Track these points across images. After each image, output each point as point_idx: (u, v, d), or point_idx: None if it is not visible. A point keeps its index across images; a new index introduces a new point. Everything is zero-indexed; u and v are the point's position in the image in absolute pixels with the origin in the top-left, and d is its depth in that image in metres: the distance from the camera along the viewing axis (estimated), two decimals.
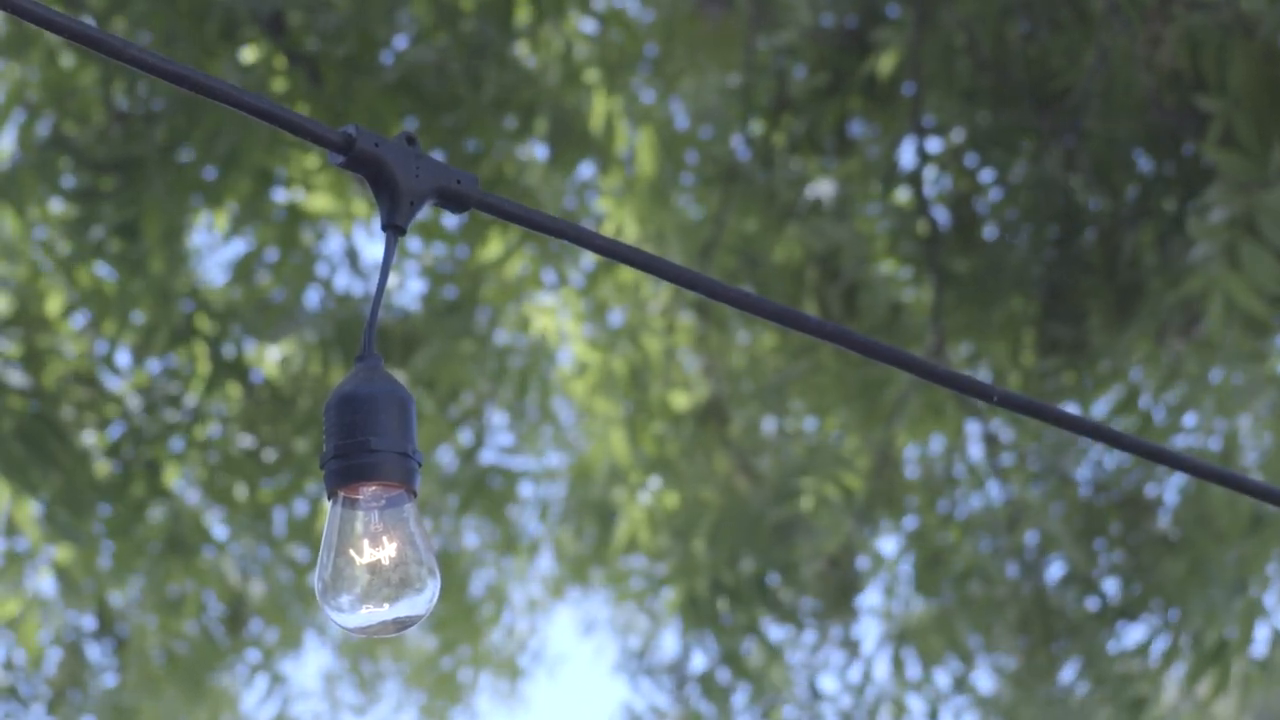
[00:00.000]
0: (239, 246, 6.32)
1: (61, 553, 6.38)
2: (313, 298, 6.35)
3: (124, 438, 6.21)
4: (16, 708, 6.43)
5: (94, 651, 6.59)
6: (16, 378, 6.07)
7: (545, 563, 8.05)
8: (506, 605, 7.93)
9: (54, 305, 6.33)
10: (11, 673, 6.52)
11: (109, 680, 6.59)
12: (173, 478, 6.32)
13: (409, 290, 6.58)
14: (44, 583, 6.53)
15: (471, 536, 7.45)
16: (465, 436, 6.72)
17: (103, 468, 6.22)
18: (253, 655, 6.82)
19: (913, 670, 6.33)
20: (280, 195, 6.20)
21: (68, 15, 1.77)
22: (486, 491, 6.72)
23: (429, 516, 7.08)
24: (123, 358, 6.31)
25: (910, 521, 6.37)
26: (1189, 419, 5.85)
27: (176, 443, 6.26)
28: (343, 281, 6.61)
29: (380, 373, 1.88)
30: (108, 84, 5.87)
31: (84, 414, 6.20)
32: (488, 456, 6.78)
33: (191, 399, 6.26)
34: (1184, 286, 5.13)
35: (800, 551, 6.11)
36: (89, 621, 6.54)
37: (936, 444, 6.47)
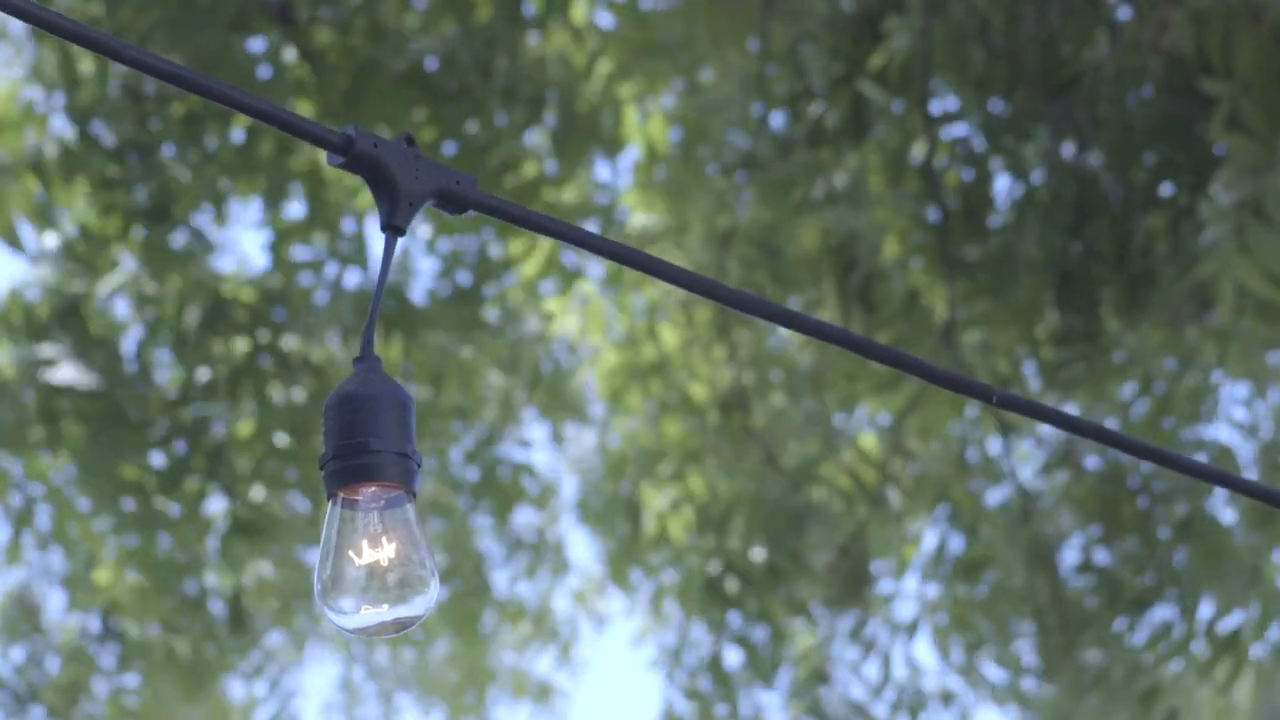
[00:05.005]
0: (265, 236, 6.33)
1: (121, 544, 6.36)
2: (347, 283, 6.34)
3: (172, 429, 6.19)
4: (19, 709, 6.42)
5: (99, 652, 6.56)
6: (70, 371, 6.07)
7: (577, 575, 8.03)
8: (545, 616, 7.92)
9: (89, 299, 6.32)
10: (17, 675, 6.51)
11: (115, 683, 6.56)
12: (222, 469, 6.31)
13: (420, 284, 6.57)
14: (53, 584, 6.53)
15: (493, 543, 7.44)
16: (482, 430, 6.71)
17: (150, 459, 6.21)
18: (260, 658, 6.81)
19: (930, 660, 6.33)
20: (294, 187, 6.20)
21: (67, 17, 1.76)
22: (498, 486, 6.71)
23: (461, 521, 7.07)
24: (162, 354, 6.31)
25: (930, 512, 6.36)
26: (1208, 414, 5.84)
27: (218, 427, 6.25)
28: (355, 279, 6.60)
29: (379, 374, 1.88)
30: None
31: (131, 405, 6.20)
32: (509, 453, 6.77)
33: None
34: (1195, 272, 5.11)
35: (812, 540, 6.10)
36: (94, 623, 6.52)
37: (952, 435, 6.46)
